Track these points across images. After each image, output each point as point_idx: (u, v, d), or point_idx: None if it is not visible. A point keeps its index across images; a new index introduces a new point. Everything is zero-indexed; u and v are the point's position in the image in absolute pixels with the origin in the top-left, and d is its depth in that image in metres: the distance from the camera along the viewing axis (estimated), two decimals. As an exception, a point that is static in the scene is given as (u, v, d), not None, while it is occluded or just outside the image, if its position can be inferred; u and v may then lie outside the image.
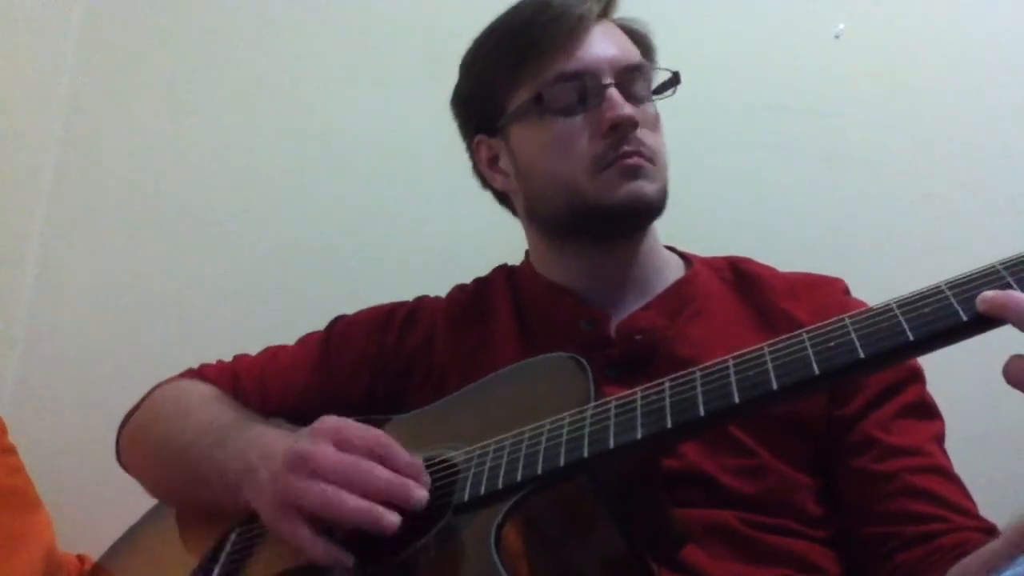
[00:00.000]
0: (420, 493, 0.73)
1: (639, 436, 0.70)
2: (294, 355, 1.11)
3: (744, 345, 0.72)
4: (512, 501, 0.73)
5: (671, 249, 1.10)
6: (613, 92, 0.96)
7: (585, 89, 0.97)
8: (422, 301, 1.14)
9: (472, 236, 1.51)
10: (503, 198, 1.13)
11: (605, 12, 1.02)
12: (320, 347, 1.11)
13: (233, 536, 0.92)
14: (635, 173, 0.96)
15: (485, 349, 1.02)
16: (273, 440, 0.85)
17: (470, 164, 1.13)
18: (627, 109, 0.95)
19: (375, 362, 1.07)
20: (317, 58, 1.75)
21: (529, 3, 1.02)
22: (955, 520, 0.84)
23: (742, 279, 1.03)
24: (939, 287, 0.64)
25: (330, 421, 0.80)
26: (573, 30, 0.98)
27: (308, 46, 1.76)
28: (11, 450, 1.34)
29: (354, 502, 0.72)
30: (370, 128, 1.69)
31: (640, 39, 1.06)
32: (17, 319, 1.72)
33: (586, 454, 0.72)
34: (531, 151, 1.01)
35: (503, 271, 1.13)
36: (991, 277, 0.62)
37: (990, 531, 0.84)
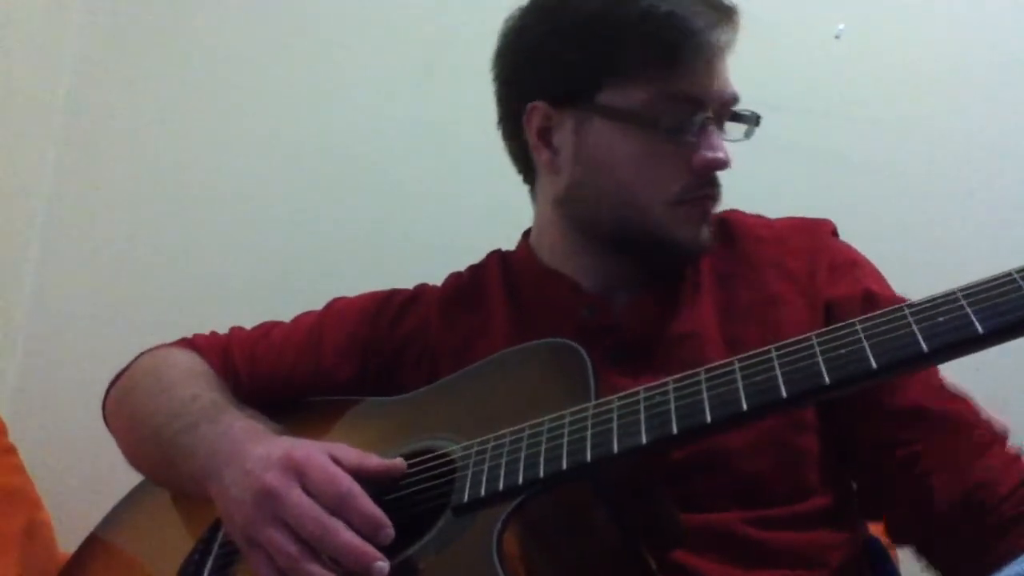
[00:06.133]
0: (381, 567, 0.72)
1: (644, 441, 0.69)
2: (287, 333, 1.10)
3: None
4: (513, 505, 0.72)
5: None
6: (715, 132, 0.92)
7: (695, 119, 0.91)
8: (421, 289, 1.12)
9: (467, 230, 1.52)
10: (526, 168, 1.05)
11: None
12: (314, 327, 1.09)
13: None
14: (703, 218, 0.94)
15: (478, 333, 1.01)
16: (242, 442, 0.84)
17: (498, 115, 1.04)
18: (724, 154, 0.92)
19: (367, 346, 1.06)
20: (316, 55, 1.75)
21: None
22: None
23: (726, 229, 1.01)
24: (954, 294, 0.62)
25: (300, 453, 0.79)
26: (712, 52, 0.91)
27: (307, 43, 1.76)
28: (11, 450, 1.34)
29: (319, 573, 0.73)
30: (369, 125, 1.69)
31: None
32: (17, 320, 1.72)
33: (589, 458, 0.70)
34: (610, 154, 0.93)
35: (496, 256, 1.11)
36: (1008, 286, 0.60)
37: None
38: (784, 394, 0.65)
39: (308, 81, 1.74)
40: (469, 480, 0.76)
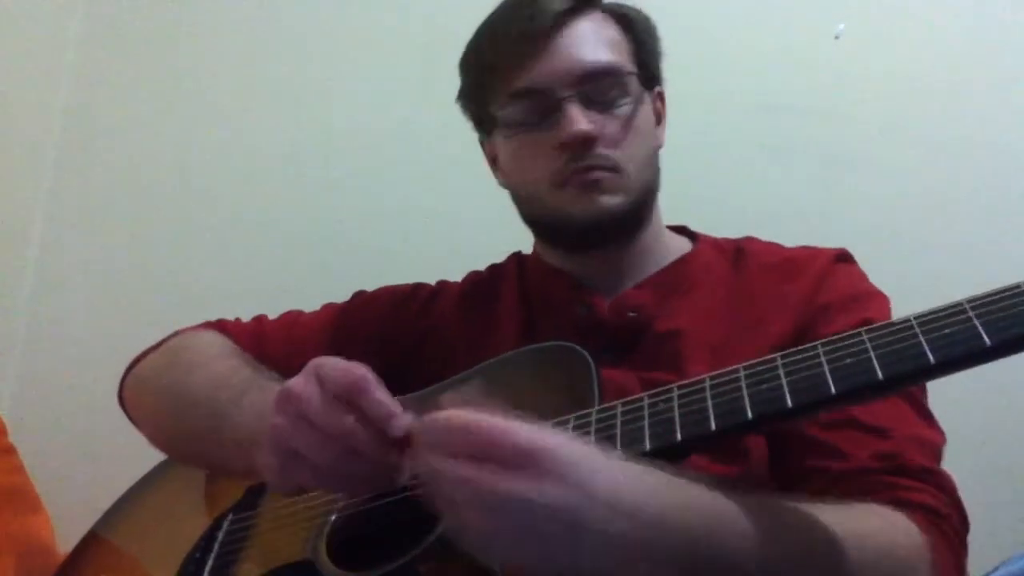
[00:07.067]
0: (398, 423, 0.71)
1: (647, 448, 0.69)
2: (313, 322, 1.13)
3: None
4: None
5: (683, 229, 1.09)
6: (570, 107, 0.94)
7: (542, 105, 0.96)
8: (442, 285, 1.15)
9: (482, 231, 1.52)
10: None
11: (584, 5, 0.99)
12: (339, 317, 1.12)
13: (226, 524, 0.92)
14: (593, 188, 0.95)
15: (490, 329, 1.04)
16: None
17: None
18: (582, 125, 0.94)
19: (389, 336, 1.08)
20: (318, 54, 1.75)
21: (506, 5, 1.01)
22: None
23: (740, 257, 1.03)
24: (960, 306, 0.62)
25: (315, 359, 0.77)
26: (535, 41, 0.96)
27: (308, 42, 1.76)
28: (11, 450, 1.34)
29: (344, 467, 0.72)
30: (371, 125, 1.69)
31: (630, 23, 1.03)
32: (17, 319, 1.72)
33: None
34: (505, 161, 1.03)
35: (515, 258, 1.15)
36: (1017, 298, 0.59)
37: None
38: (790, 404, 0.65)
39: (307, 82, 1.75)
40: None
